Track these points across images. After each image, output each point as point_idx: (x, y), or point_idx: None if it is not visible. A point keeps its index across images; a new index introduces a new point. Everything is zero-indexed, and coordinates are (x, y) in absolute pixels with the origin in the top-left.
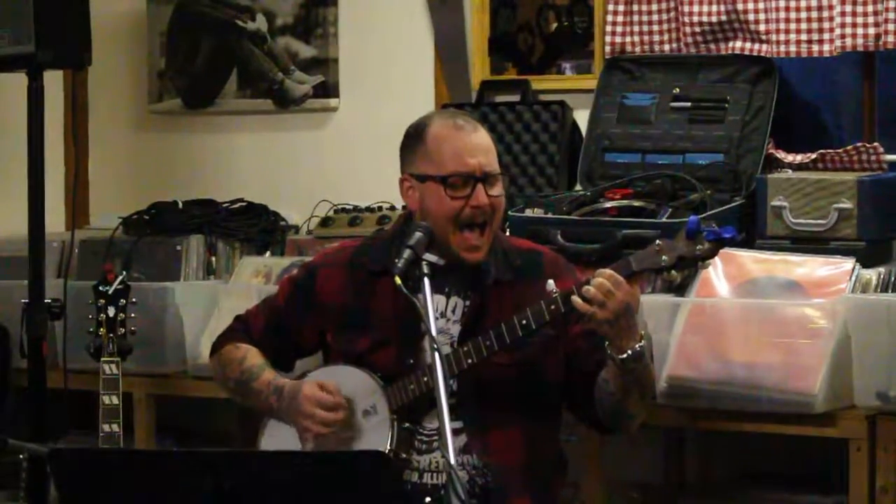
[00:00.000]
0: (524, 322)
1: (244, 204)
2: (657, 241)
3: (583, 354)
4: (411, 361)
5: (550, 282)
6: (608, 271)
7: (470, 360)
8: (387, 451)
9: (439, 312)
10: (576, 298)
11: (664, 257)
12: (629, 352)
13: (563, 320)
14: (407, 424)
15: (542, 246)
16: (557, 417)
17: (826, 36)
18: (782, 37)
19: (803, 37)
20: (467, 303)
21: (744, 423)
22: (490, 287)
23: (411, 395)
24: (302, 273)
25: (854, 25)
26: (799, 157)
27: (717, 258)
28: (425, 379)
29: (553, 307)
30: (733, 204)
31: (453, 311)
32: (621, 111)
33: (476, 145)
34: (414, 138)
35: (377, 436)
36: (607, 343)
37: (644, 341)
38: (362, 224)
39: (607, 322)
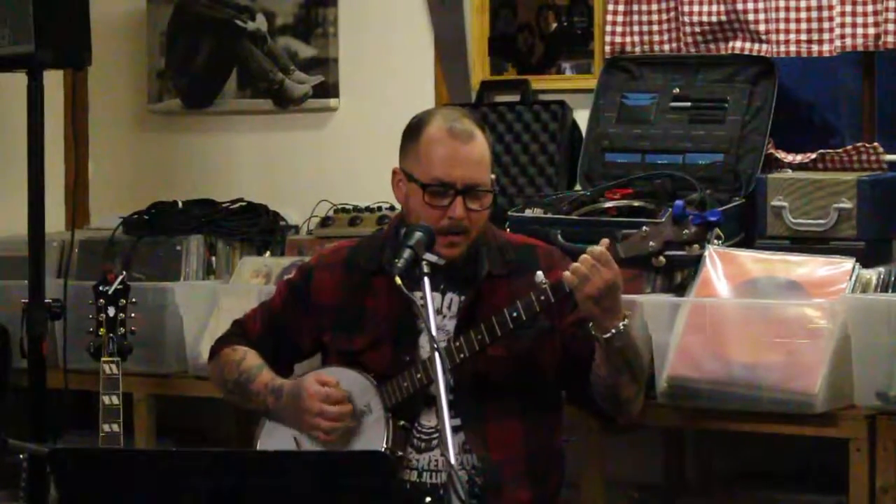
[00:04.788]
0: (515, 314)
1: (244, 204)
2: (643, 228)
3: (578, 342)
4: (407, 359)
5: (539, 273)
6: (598, 248)
7: (462, 355)
8: (383, 449)
9: (435, 309)
10: (566, 273)
11: (651, 243)
12: (613, 331)
13: (558, 310)
14: (402, 422)
15: (537, 240)
16: (556, 409)
17: (826, 36)
18: (782, 37)
19: (803, 37)
20: (463, 298)
21: (744, 423)
22: (484, 281)
23: (405, 393)
24: (298, 275)
25: (854, 25)
26: (799, 157)
27: (716, 258)
28: (419, 376)
29: (543, 298)
30: (733, 204)
31: (449, 308)
32: (621, 111)
33: (465, 157)
34: (411, 134)
35: (373, 435)
36: (591, 324)
37: (627, 320)
38: (362, 224)
39: (592, 299)
